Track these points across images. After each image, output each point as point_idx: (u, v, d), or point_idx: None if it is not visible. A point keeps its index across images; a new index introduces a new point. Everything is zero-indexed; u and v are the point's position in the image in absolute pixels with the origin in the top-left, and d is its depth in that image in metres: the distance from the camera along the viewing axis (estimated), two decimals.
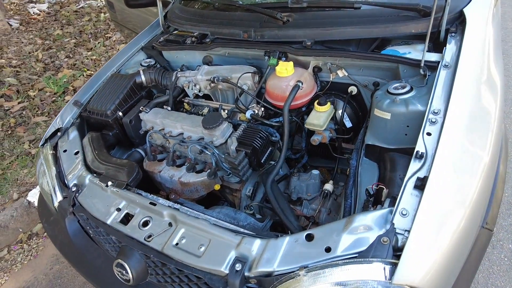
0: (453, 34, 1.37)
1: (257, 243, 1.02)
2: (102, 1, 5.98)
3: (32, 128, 3.34)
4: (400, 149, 1.25)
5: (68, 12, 5.77)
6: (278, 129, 1.55)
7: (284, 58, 1.59)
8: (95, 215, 1.32)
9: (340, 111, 1.55)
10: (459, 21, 1.40)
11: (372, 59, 1.42)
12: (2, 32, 5.13)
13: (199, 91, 1.75)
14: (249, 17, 1.71)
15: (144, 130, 1.67)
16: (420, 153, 1.03)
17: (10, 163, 2.97)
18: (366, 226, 0.94)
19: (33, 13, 5.77)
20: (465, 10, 1.40)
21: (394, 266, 0.85)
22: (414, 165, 1.02)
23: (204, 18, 1.87)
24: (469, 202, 0.97)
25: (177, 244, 1.12)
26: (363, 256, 0.88)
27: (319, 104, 1.47)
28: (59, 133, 1.71)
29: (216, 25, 1.79)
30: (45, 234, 2.51)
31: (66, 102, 1.86)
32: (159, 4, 1.96)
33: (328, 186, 1.49)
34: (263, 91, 1.62)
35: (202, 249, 1.07)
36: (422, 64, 1.27)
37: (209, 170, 1.43)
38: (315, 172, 1.54)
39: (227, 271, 1.00)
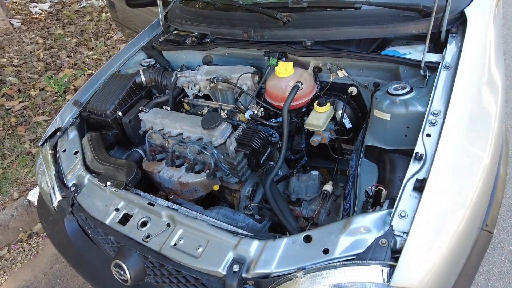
0: (454, 35, 1.36)
1: (255, 244, 1.01)
2: (103, 1, 5.98)
3: (33, 127, 3.34)
4: (399, 150, 1.24)
5: (69, 11, 5.78)
6: (278, 129, 1.54)
7: (284, 59, 1.58)
8: (94, 215, 1.32)
9: (340, 112, 1.54)
10: (460, 22, 1.39)
11: (372, 60, 1.42)
12: (4, 31, 5.14)
13: (199, 91, 1.75)
14: (249, 17, 1.71)
15: (144, 130, 1.67)
16: (419, 155, 1.02)
17: (10, 162, 2.98)
18: (365, 227, 0.93)
19: (35, 12, 5.78)
20: (466, 10, 1.38)
21: (392, 268, 0.85)
22: (413, 166, 1.01)
23: (204, 18, 1.87)
24: (468, 203, 0.96)
25: (175, 244, 1.12)
26: (361, 258, 0.88)
27: (318, 104, 1.47)
28: (58, 133, 1.71)
29: (216, 25, 1.79)
30: (45, 233, 2.51)
31: (67, 102, 1.86)
32: (160, 4, 1.96)
33: (328, 187, 1.49)
34: (263, 91, 1.61)
35: (200, 250, 1.07)
36: (422, 65, 1.26)
37: (208, 171, 1.43)
38: (315, 172, 1.54)
39: (224, 272, 0.99)
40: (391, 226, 0.91)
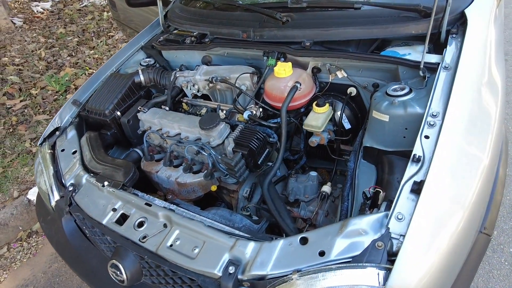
0: (454, 36, 1.35)
1: (251, 246, 1.01)
2: (105, 0, 5.99)
3: (34, 126, 3.35)
4: (398, 151, 1.24)
5: (71, 10, 5.79)
6: (276, 130, 1.54)
7: (282, 59, 1.57)
8: (91, 215, 1.31)
9: (339, 113, 1.53)
10: (460, 22, 1.38)
11: (371, 60, 1.41)
12: (6, 30, 5.16)
13: (198, 91, 1.74)
14: (248, 17, 1.70)
15: (142, 130, 1.67)
16: (417, 157, 1.01)
17: (11, 161, 2.98)
18: (361, 230, 0.93)
19: (37, 11, 5.80)
20: (466, 11, 1.37)
21: (388, 271, 0.84)
22: (411, 168, 1.00)
23: (203, 18, 1.87)
24: (466, 206, 0.95)
25: (171, 245, 1.11)
26: (357, 260, 0.87)
27: (317, 105, 1.46)
28: (57, 132, 1.71)
29: (215, 25, 1.78)
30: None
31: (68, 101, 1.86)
32: (159, 3, 1.96)
33: (326, 188, 1.48)
34: (262, 91, 1.61)
35: (196, 251, 1.06)
36: (422, 66, 1.25)
37: (205, 171, 1.42)
38: (313, 173, 1.53)
39: (220, 274, 0.99)
40: (388, 228, 0.90)
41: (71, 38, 4.99)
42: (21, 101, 3.65)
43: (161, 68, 1.88)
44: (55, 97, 3.75)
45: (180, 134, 1.54)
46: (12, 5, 5.97)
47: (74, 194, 1.42)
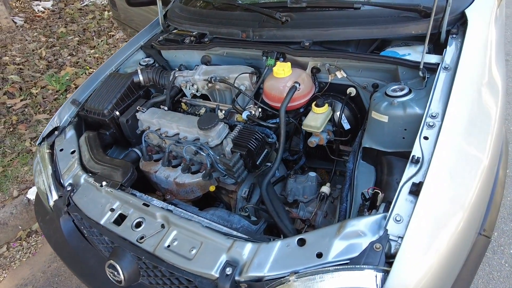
0: (454, 36, 1.34)
1: (248, 247, 1.00)
2: None
3: (34, 125, 3.35)
4: (397, 152, 1.23)
5: (72, 10, 5.79)
6: (276, 130, 1.53)
7: (282, 59, 1.57)
8: (89, 215, 1.31)
9: (338, 113, 1.53)
10: (460, 23, 1.37)
11: (371, 61, 1.40)
12: (7, 29, 5.16)
13: (197, 91, 1.73)
14: (248, 16, 1.70)
15: (141, 129, 1.66)
16: (416, 158, 1.00)
17: (11, 160, 2.98)
18: (359, 231, 0.92)
19: (38, 10, 5.80)
20: (467, 11, 1.36)
21: (386, 273, 0.83)
22: (409, 170, 0.99)
23: (203, 18, 1.86)
24: (466, 207, 0.95)
25: (168, 246, 1.11)
26: (354, 262, 0.87)
27: (316, 105, 1.45)
28: (56, 132, 1.71)
29: (215, 24, 1.78)
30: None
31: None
32: (159, 3, 1.95)
33: (325, 189, 1.47)
34: (261, 91, 1.60)
35: (194, 251, 1.06)
36: (421, 66, 1.24)
37: (204, 171, 1.42)
38: (312, 174, 1.52)
39: (217, 275, 0.98)
40: (386, 230, 0.89)
41: (71, 37, 4.99)
42: (21, 100, 3.65)
43: (160, 67, 1.88)
44: (56, 96, 3.75)
45: (178, 134, 1.53)
46: (13, 4, 5.97)
47: (72, 194, 1.41)
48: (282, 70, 1.43)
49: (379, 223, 0.92)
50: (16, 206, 2.58)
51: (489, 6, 1.43)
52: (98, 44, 4.79)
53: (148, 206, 1.24)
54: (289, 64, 1.46)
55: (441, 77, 1.20)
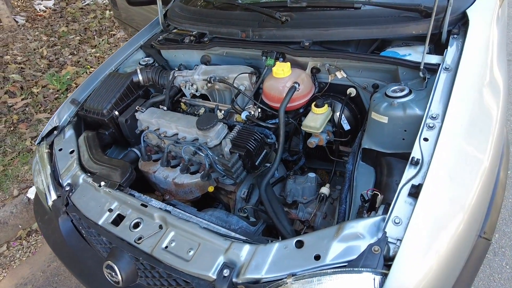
0: (455, 36, 1.33)
1: (246, 248, 1.00)
2: None
3: (34, 124, 3.35)
4: (397, 153, 1.22)
5: (73, 9, 5.79)
6: (275, 131, 1.52)
7: (281, 59, 1.56)
8: (87, 215, 1.31)
9: (338, 113, 1.52)
10: (461, 23, 1.36)
11: (371, 61, 1.39)
12: (8, 28, 5.17)
13: (196, 91, 1.73)
14: (247, 16, 1.69)
15: (140, 129, 1.66)
16: (415, 160, 0.99)
17: (11, 159, 2.99)
18: (358, 234, 0.91)
19: (39, 10, 5.81)
20: (468, 11, 1.35)
21: (384, 276, 0.83)
22: (409, 172, 0.99)
23: (203, 17, 1.85)
24: (465, 210, 0.94)
25: (166, 247, 1.10)
26: (352, 265, 0.86)
27: (316, 106, 1.44)
28: (55, 132, 1.70)
29: (214, 24, 1.77)
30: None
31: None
32: (159, 2, 1.95)
33: (325, 190, 1.46)
34: (261, 91, 1.59)
35: (191, 253, 1.05)
36: (422, 67, 1.23)
37: (203, 172, 1.41)
38: (312, 175, 1.51)
39: (215, 277, 0.98)
40: (385, 233, 0.89)
41: (73, 36, 4.99)
42: (22, 99, 3.66)
43: (159, 67, 1.87)
44: (56, 95, 3.75)
45: (177, 134, 1.52)
46: (15, 3, 5.98)
47: (71, 194, 1.41)
48: (282, 70, 1.42)
49: (378, 225, 0.91)
50: (16, 205, 2.58)
51: (491, 6, 1.42)
52: (99, 43, 4.79)
53: (146, 206, 1.23)
54: (288, 64, 1.45)
55: (442, 77, 1.19)
